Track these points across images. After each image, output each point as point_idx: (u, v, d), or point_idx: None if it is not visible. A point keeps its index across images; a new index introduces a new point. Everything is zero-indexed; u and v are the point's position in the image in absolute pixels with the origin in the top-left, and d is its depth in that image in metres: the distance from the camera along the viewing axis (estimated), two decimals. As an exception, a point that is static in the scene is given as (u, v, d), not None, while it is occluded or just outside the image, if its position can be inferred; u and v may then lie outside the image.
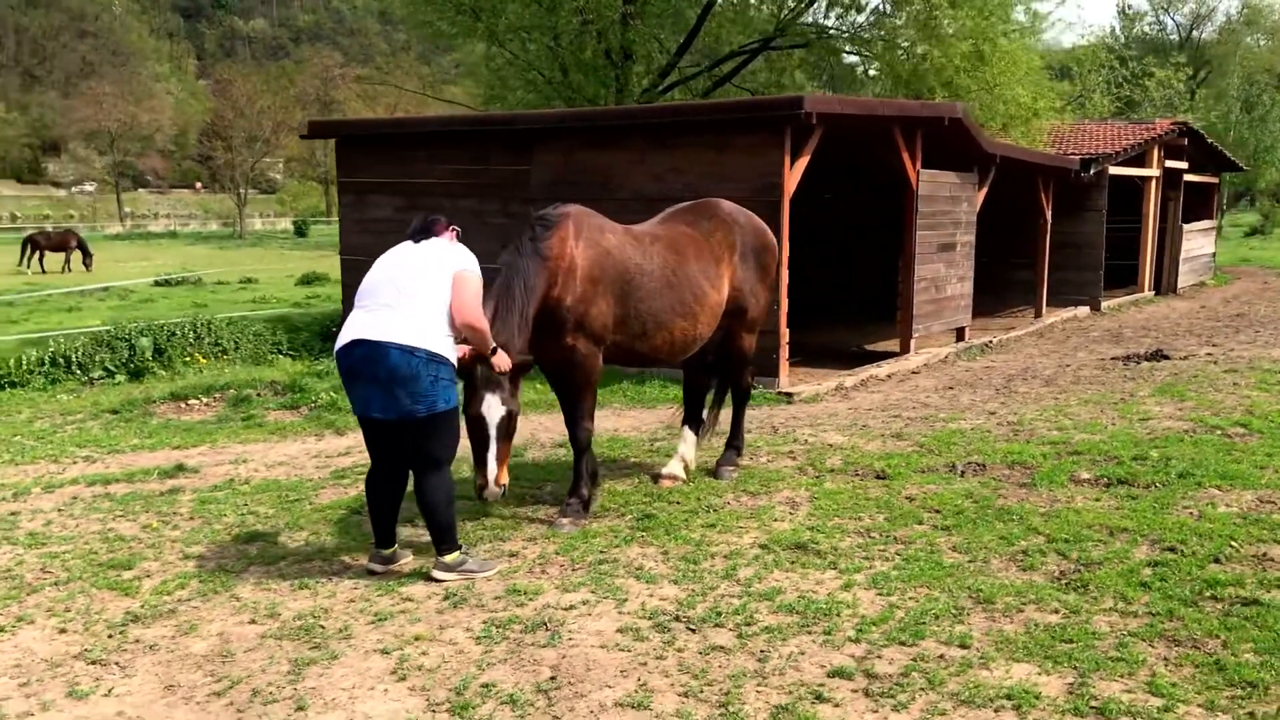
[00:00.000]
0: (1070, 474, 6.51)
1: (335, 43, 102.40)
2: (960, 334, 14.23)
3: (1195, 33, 56.46)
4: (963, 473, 6.71)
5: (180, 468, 7.43)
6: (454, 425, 5.08)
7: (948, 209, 13.42)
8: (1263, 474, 6.30)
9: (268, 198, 75.87)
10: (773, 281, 7.17)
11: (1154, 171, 21.08)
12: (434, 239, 5.22)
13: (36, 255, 30.23)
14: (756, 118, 10.73)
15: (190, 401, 9.87)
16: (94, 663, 4.25)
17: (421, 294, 4.94)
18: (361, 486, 6.00)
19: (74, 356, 11.71)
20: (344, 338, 5.02)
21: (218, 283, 26.77)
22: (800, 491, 6.44)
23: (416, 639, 4.39)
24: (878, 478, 6.68)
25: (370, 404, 4.98)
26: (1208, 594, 4.57)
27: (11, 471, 7.51)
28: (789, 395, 10.26)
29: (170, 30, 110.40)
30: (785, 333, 10.58)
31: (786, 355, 10.69)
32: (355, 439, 8.13)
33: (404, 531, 5.54)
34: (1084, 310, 18.75)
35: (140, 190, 79.32)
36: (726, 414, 7.27)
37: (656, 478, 6.81)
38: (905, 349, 12.91)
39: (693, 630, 4.40)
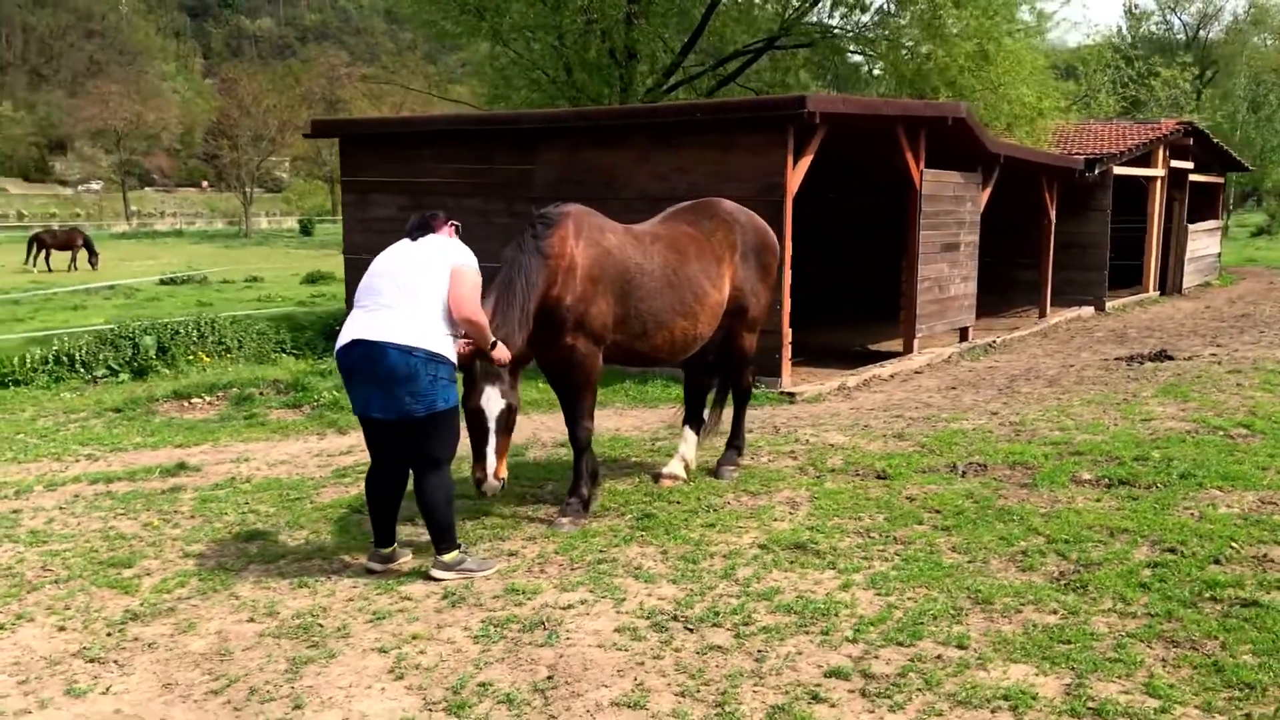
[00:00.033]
0: (1071, 474, 6.50)
1: (341, 42, 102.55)
2: (964, 334, 14.22)
3: (1202, 32, 56.25)
4: (964, 473, 6.71)
5: (182, 466, 7.44)
6: (453, 425, 5.08)
7: (951, 209, 13.40)
8: (1264, 475, 6.28)
9: (273, 197, 76.00)
10: (774, 281, 7.16)
11: (1159, 171, 21.04)
12: (432, 235, 5.22)
13: (43, 254, 30.30)
14: (760, 117, 10.72)
15: (193, 400, 9.89)
16: (92, 661, 4.26)
17: (421, 292, 4.94)
18: (362, 485, 6.00)
19: (78, 355, 11.74)
20: (344, 338, 5.03)
21: (223, 281, 26.83)
22: (800, 491, 6.43)
23: (414, 638, 4.40)
24: (879, 478, 6.68)
25: (370, 404, 4.99)
26: (1207, 595, 4.56)
27: (14, 469, 7.53)
28: (791, 395, 10.25)
29: (177, 29, 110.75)
30: (788, 332, 10.57)
31: (789, 355, 10.68)
32: (357, 438, 8.14)
33: (404, 530, 5.54)
34: (1088, 310, 18.71)
35: (146, 189, 79.52)
36: (728, 414, 7.27)
37: (657, 477, 6.81)
38: (908, 349, 12.90)
39: (690, 630, 4.40)
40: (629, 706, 3.78)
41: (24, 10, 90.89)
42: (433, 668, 4.12)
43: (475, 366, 5.22)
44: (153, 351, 11.87)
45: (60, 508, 6.46)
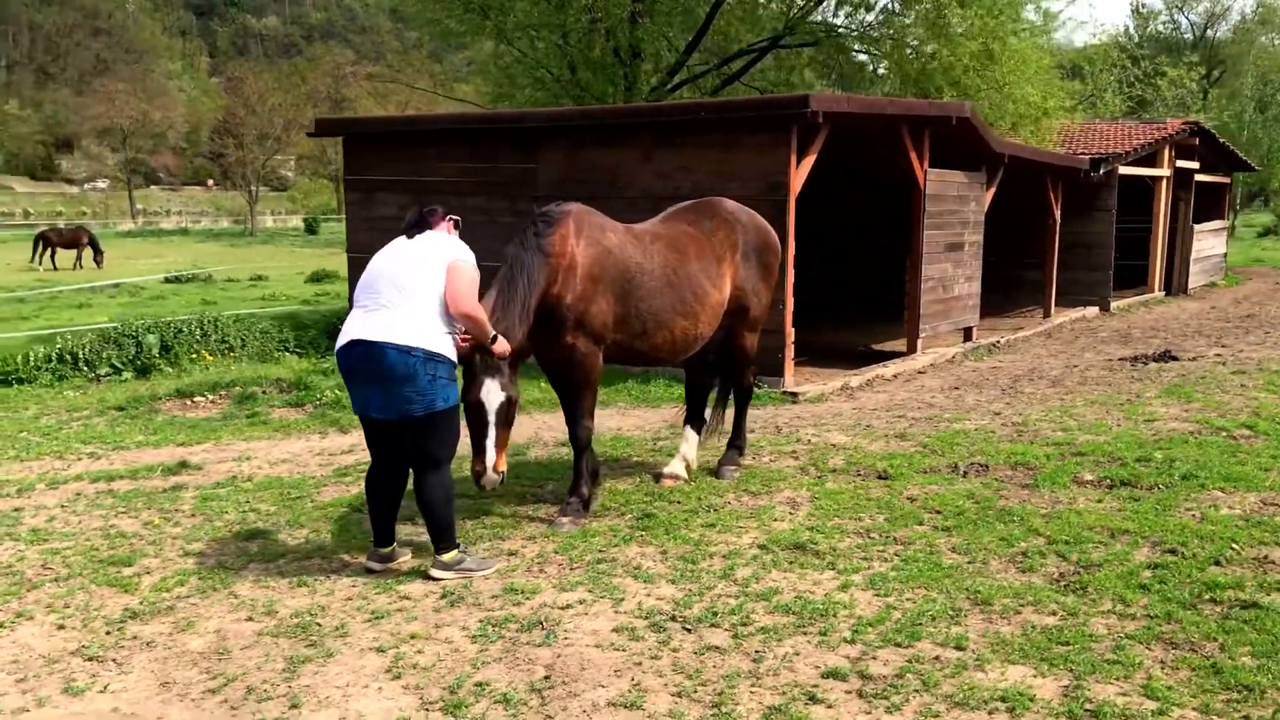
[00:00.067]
0: (1073, 475, 6.49)
1: (347, 40, 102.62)
2: (968, 334, 14.19)
3: (1209, 32, 56.12)
4: (965, 473, 6.69)
5: (184, 464, 7.45)
6: (453, 424, 5.08)
7: (955, 208, 13.38)
8: (1267, 476, 6.26)
9: (279, 195, 76.16)
10: (775, 281, 7.14)
11: (1165, 171, 20.98)
12: (429, 232, 5.21)
13: (48, 252, 30.37)
14: (763, 116, 10.70)
15: (196, 399, 9.90)
16: (91, 659, 4.26)
17: (419, 290, 4.94)
18: (363, 484, 6.00)
19: (81, 353, 11.75)
20: (344, 337, 5.03)
21: (228, 280, 26.86)
22: (801, 491, 6.42)
23: (412, 637, 4.40)
24: (880, 478, 6.67)
25: (370, 403, 4.99)
26: (1207, 597, 4.55)
27: (17, 467, 7.55)
28: (794, 395, 10.24)
29: (183, 28, 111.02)
30: (791, 332, 10.55)
31: (792, 355, 10.67)
32: (358, 437, 8.14)
33: (403, 530, 5.55)
34: (1093, 310, 18.67)
35: (152, 187, 79.75)
36: (730, 413, 7.26)
37: (658, 477, 6.81)
38: (912, 349, 12.88)
39: (688, 630, 4.40)
40: (626, 707, 3.77)
41: (31, 9, 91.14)
42: (430, 667, 4.12)
43: (475, 360, 5.21)
44: (156, 350, 11.89)
45: (62, 506, 6.47)
